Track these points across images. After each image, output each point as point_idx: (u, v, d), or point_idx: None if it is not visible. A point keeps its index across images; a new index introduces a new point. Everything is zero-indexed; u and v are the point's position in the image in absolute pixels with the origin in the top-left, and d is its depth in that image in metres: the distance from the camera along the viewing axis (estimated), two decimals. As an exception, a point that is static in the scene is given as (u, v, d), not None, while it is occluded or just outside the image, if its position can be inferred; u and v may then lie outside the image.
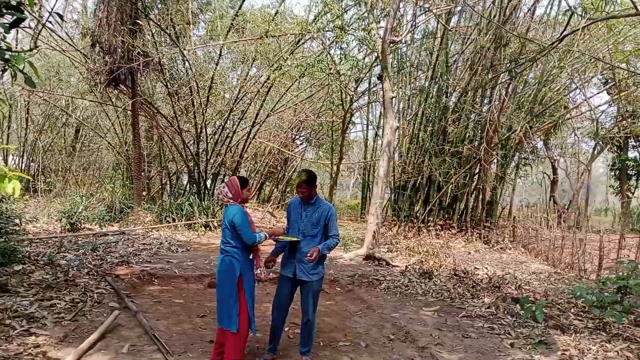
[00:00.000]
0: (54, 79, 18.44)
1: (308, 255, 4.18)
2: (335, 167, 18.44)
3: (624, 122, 21.32)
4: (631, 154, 26.88)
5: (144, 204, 14.12)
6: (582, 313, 6.28)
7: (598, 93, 20.56)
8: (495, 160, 14.90)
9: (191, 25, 14.33)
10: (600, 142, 22.73)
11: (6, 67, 3.80)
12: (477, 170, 14.74)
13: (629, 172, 26.77)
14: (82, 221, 11.47)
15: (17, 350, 4.04)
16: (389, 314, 6.08)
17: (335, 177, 18.80)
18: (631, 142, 25.97)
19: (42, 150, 20.54)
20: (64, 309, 5.22)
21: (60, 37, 15.37)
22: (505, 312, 6.23)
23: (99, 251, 8.54)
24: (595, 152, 24.47)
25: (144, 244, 9.93)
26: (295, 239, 4.30)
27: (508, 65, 12.19)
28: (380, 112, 17.43)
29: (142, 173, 17.00)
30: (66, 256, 7.72)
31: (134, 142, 14.34)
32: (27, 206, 13.77)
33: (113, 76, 12.83)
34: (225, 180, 4.43)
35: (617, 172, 27.12)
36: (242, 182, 4.31)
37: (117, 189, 15.81)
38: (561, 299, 7.03)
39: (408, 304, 6.70)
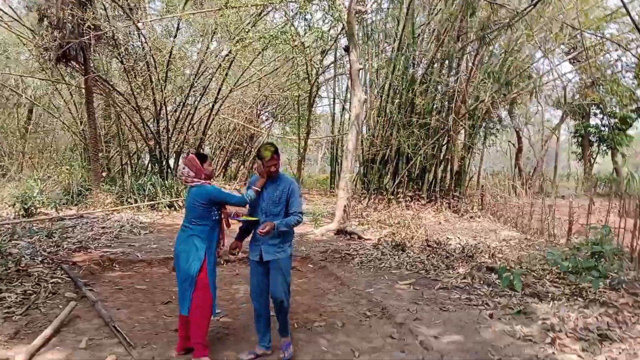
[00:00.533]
0: (1, 57, 17.26)
1: (260, 228, 3.83)
2: (302, 142, 18.09)
3: (587, 90, 21.70)
4: (592, 121, 27.54)
5: (102, 185, 13.48)
6: (557, 279, 6.22)
7: (561, 62, 20.71)
8: (463, 131, 14.85)
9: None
10: (567, 110, 23.06)
11: None
12: (445, 141, 14.66)
13: (590, 138, 27.45)
14: (37, 206, 10.84)
15: (-43, 351, 3.64)
16: (363, 290, 5.87)
17: (304, 152, 18.49)
18: (593, 109, 26.52)
19: (-7, 133, 19.40)
20: (15, 303, 4.79)
21: (5, 12, 14.32)
22: (482, 282, 6.12)
23: (54, 237, 8.05)
24: (561, 119, 24.82)
25: (103, 227, 9.44)
26: (253, 218, 3.98)
27: (479, 32, 11.97)
28: (347, 86, 17.15)
29: (100, 153, 16.27)
30: (18, 244, 7.20)
31: (89, 122, 13.60)
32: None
33: (63, 52, 12.01)
34: (183, 161, 4.06)
35: (580, 139, 27.76)
36: (200, 158, 3.99)
37: (74, 170, 15.11)
38: (535, 265, 6.98)
39: (382, 278, 6.51)
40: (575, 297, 5.50)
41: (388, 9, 15.62)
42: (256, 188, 3.95)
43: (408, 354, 4.09)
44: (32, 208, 10.54)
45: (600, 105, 25.05)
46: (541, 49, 14.39)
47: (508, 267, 6.41)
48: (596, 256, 6.34)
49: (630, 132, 26.80)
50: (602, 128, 27.22)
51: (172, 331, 4.39)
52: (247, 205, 4.09)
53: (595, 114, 27.56)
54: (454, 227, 11.58)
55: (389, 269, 6.98)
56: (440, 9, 13.66)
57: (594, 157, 28.05)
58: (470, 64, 13.75)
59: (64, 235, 8.29)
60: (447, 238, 9.20)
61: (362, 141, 14.69)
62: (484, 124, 14.80)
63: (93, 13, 11.39)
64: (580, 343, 4.20)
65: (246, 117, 20.09)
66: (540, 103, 24.57)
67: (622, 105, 24.16)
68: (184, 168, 3.94)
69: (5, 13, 14.92)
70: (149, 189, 13.40)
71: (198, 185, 3.88)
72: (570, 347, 4.12)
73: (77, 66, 13.35)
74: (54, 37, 11.74)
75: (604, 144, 27.28)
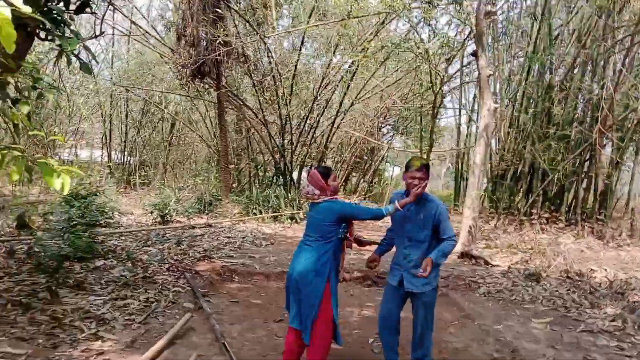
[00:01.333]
0: (148, 75, 19.14)
1: (421, 271, 3.44)
2: (425, 156, 17.40)
3: None
4: None
5: (231, 195, 14.16)
6: None
7: None
8: (609, 145, 13.12)
9: (273, 12, 14.01)
10: None
11: (63, 52, 3.52)
12: (588, 156, 13.06)
13: None
14: (173, 214, 11.63)
15: (80, 356, 3.81)
16: (491, 326, 5.23)
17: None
18: None
19: (142, 145, 21.55)
20: (137, 310, 4.99)
21: (149, 33, 15.85)
22: (637, 328, 5.13)
23: (183, 245, 8.47)
24: None
25: (228, 237, 9.78)
26: (376, 242, 3.67)
27: (633, 26, 10.39)
28: (475, 95, 16.20)
29: (232, 165, 17.21)
30: (150, 250, 7.69)
31: (220, 135, 14.43)
32: (126, 199, 14.41)
33: (198, 68, 12.89)
34: (306, 177, 3.89)
35: None
36: (323, 173, 3.73)
37: (209, 181, 16.12)
38: None
39: (513, 313, 5.79)
40: None
41: (521, 8, 14.46)
42: (397, 205, 3.57)
43: (545, 413, 3.47)
44: (168, 215, 11.33)
45: None
46: None
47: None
48: None
49: None
50: None
51: (281, 354, 4.22)
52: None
53: None
54: (598, 257, 10.16)
55: (521, 303, 6.20)
56: (581, 6, 12.25)
57: None
58: (618, 67, 12.09)
59: (192, 244, 8.70)
60: (591, 270, 8.03)
61: (490, 155, 13.68)
62: (635, 137, 12.91)
63: (224, 30, 12.03)
64: None
65: (367, 130, 19.93)
66: None
67: None
68: (307, 186, 3.74)
69: (149, 34, 16.53)
70: (272, 200, 13.78)
71: (327, 201, 3.65)
72: None
73: (211, 82, 14.27)
74: (189, 54, 12.66)
75: None
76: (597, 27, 12.00)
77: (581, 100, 13.25)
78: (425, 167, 3.57)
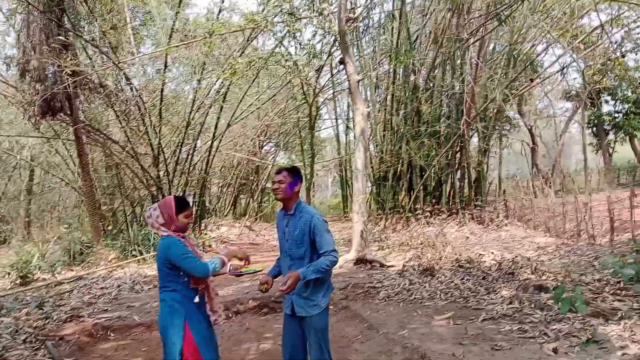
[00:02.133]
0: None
1: (280, 285, 3.04)
2: (309, 168, 17.32)
3: (594, 76, 20.81)
4: (605, 108, 26.46)
5: (104, 240, 12.76)
6: (619, 291, 5.28)
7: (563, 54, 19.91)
8: (476, 134, 14.00)
9: (131, 37, 13.01)
10: (579, 100, 22.13)
11: None
12: (458, 148, 13.79)
13: (605, 127, 26.34)
14: (34, 272, 10.11)
15: None
16: (396, 333, 4.97)
17: (311, 178, 17.70)
18: (604, 96, 25.52)
19: (-5, 198, 18.95)
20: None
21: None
22: (533, 306, 5.19)
23: (45, 307, 7.24)
24: (574, 111, 23.90)
25: (102, 288, 8.63)
26: (255, 270, 3.18)
27: (492, 9, 11.02)
28: (348, 103, 16.46)
29: (105, 207, 15.68)
30: (1, 322, 6.41)
31: (82, 174, 13.01)
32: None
33: (47, 104, 11.48)
34: (159, 202, 3.24)
35: (595, 129, 26.68)
36: (179, 204, 3.18)
37: (78, 227, 14.47)
38: (587, 276, 6.05)
39: (415, 314, 5.60)
40: (649, 313, 4.57)
41: (380, 19, 15.01)
42: (224, 258, 3.17)
43: (465, 420, 3.20)
44: (29, 275, 9.81)
45: (612, 92, 24.13)
46: (545, 39, 13.61)
47: (559, 284, 5.48)
48: (661, 258, 5.41)
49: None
50: (616, 115, 26.19)
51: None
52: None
53: (606, 101, 26.55)
54: (482, 240, 10.65)
55: (421, 301, 6.07)
56: (434, 9, 12.96)
57: (612, 146, 26.91)
58: (474, 61, 12.96)
59: (58, 303, 7.50)
60: (479, 254, 8.27)
61: (371, 159, 13.89)
62: (497, 125, 13.92)
63: (71, 59, 10.82)
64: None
65: (249, 150, 19.44)
66: (549, 97, 23.75)
67: (634, 88, 23.20)
68: (154, 210, 3.14)
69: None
70: (154, 238, 12.67)
71: (164, 237, 3.09)
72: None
73: (66, 118, 12.81)
74: (36, 90, 11.24)
75: (621, 131, 26.18)
76: (450, 26, 12.73)
77: (446, 97, 13.97)
78: (287, 170, 3.24)
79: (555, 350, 4.02)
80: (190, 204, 3.28)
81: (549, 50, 15.48)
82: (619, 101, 25.61)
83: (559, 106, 28.29)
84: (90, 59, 12.64)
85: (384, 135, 14.24)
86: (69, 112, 12.27)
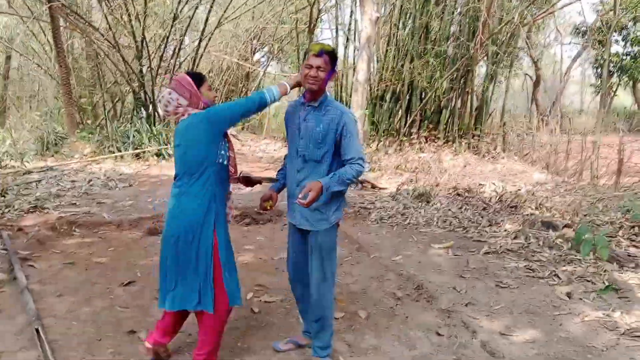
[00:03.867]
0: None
1: (299, 196, 2.45)
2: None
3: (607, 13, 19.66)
4: (613, 49, 25.39)
5: (81, 133, 12.00)
6: (634, 237, 4.86)
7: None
8: (485, 58, 13.11)
9: None
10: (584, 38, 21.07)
11: None
12: (464, 72, 12.94)
13: (610, 69, 25.42)
14: (2, 158, 9.43)
15: None
16: (389, 258, 4.52)
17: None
18: (614, 36, 24.39)
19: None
20: None
21: None
22: (541, 244, 4.75)
23: (8, 195, 6.67)
24: (582, 48, 22.85)
25: (73, 181, 8.03)
26: (270, 177, 2.60)
27: None
28: (351, 11, 15.20)
29: (84, 99, 14.76)
30: (-44, 208, 5.84)
31: (58, 59, 11.95)
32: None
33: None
34: (168, 84, 2.55)
35: (599, 70, 25.77)
36: (196, 79, 2.57)
37: (51, 117, 13.64)
38: (597, 216, 5.61)
39: (410, 240, 5.15)
40: (668, 262, 4.17)
41: None
42: (285, 84, 2.58)
43: (468, 364, 2.77)
44: (-1, 162, 9.15)
45: (623, 31, 23.06)
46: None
47: (572, 223, 5.03)
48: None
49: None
50: (624, 57, 25.19)
51: (125, 334, 3.07)
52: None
53: (616, 41, 25.44)
54: (477, 171, 10.17)
55: (417, 227, 5.61)
56: None
57: (615, 89, 26.15)
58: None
59: (22, 192, 6.92)
60: (479, 184, 7.79)
61: (369, 75, 13.02)
62: (508, 50, 13.00)
63: None
64: None
65: (240, 54, 18.22)
66: (559, 29, 22.59)
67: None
68: (170, 93, 2.49)
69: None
70: (133, 135, 11.95)
71: (195, 114, 2.50)
72: None
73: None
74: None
75: (625, 75, 25.33)
76: None
77: (459, 14, 12.90)
78: (329, 55, 2.53)
79: (569, 295, 3.60)
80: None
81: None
82: (629, 42, 24.60)
83: (567, 41, 27.14)
84: None
85: (386, 51, 13.25)
86: (43, -13, 10.99)
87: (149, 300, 3.58)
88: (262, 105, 2.57)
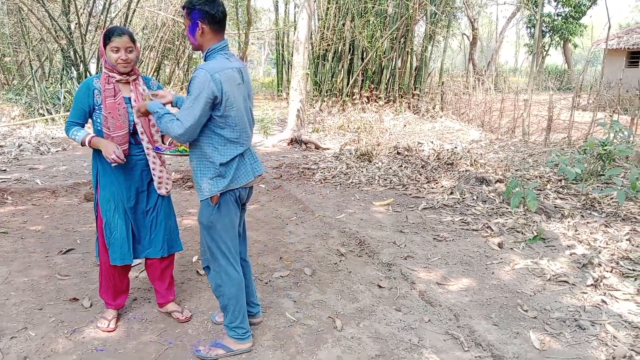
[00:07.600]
0: None
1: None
2: (243, 37, 15.89)
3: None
4: (546, 10, 26.32)
5: (5, 94, 11.23)
6: (561, 189, 5.22)
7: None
8: (424, 17, 13.25)
9: None
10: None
11: None
12: (404, 31, 13.06)
13: (543, 29, 26.39)
14: None
15: None
16: (332, 217, 4.64)
17: (245, 48, 16.37)
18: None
19: None
20: None
21: None
22: (474, 198, 5.02)
23: None
24: (517, 9, 23.48)
25: (1, 146, 7.58)
26: (184, 150, 2.52)
27: None
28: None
29: (7, 58, 13.71)
30: None
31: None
32: None
33: None
34: None
35: (532, 30, 26.69)
36: (105, 36, 2.47)
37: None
38: (527, 171, 5.97)
39: (353, 198, 5.29)
40: (589, 212, 4.53)
41: None
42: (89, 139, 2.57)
43: (407, 313, 2.95)
44: None
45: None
46: None
47: (499, 178, 5.32)
48: (603, 158, 5.36)
49: (583, 20, 26.01)
50: (555, 17, 26.20)
51: (67, 302, 3.02)
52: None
53: (549, 2, 26.36)
54: (417, 130, 10.45)
55: (359, 186, 5.76)
56: None
57: (547, 49, 27.26)
58: None
59: (-58, 161, 6.48)
60: (419, 143, 8.03)
61: (311, 34, 12.85)
62: (446, 10, 13.19)
63: None
64: (628, 281, 3.20)
65: (176, 10, 17.39)
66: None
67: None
68: None
69: None
70: (64, 97, 11.31)
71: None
72: (620, 289, 3.11)
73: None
74: None
75: (557, 35, 26.42)
76: None
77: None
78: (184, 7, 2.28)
79: (500, 245, 3.86)
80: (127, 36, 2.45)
81: None
82: (560, 3, 25.54)
83: (502, 1, 27.83)
84: None
85: (327, 9, 13.11)
86: None
87: (90, 267, 3.52)
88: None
